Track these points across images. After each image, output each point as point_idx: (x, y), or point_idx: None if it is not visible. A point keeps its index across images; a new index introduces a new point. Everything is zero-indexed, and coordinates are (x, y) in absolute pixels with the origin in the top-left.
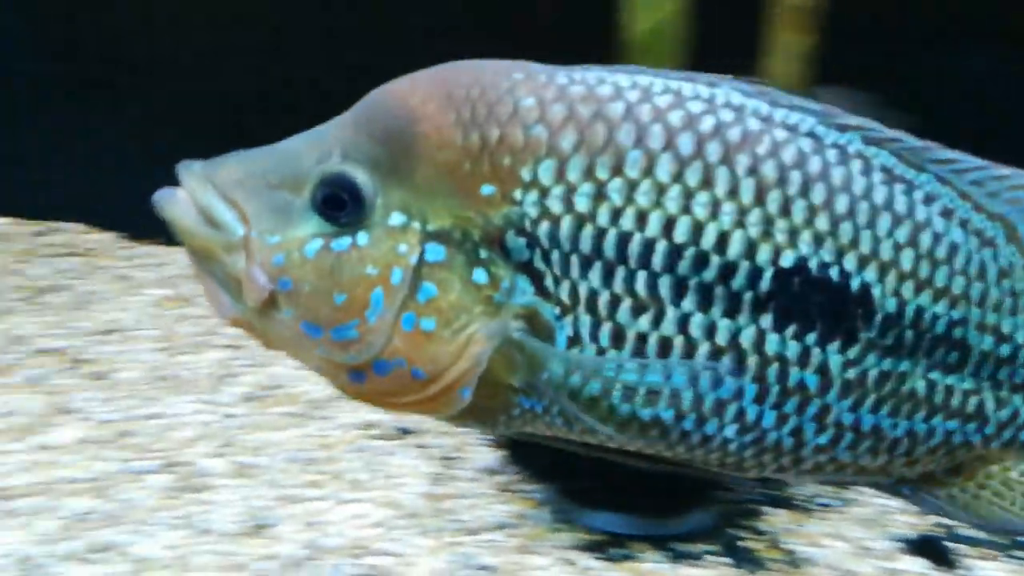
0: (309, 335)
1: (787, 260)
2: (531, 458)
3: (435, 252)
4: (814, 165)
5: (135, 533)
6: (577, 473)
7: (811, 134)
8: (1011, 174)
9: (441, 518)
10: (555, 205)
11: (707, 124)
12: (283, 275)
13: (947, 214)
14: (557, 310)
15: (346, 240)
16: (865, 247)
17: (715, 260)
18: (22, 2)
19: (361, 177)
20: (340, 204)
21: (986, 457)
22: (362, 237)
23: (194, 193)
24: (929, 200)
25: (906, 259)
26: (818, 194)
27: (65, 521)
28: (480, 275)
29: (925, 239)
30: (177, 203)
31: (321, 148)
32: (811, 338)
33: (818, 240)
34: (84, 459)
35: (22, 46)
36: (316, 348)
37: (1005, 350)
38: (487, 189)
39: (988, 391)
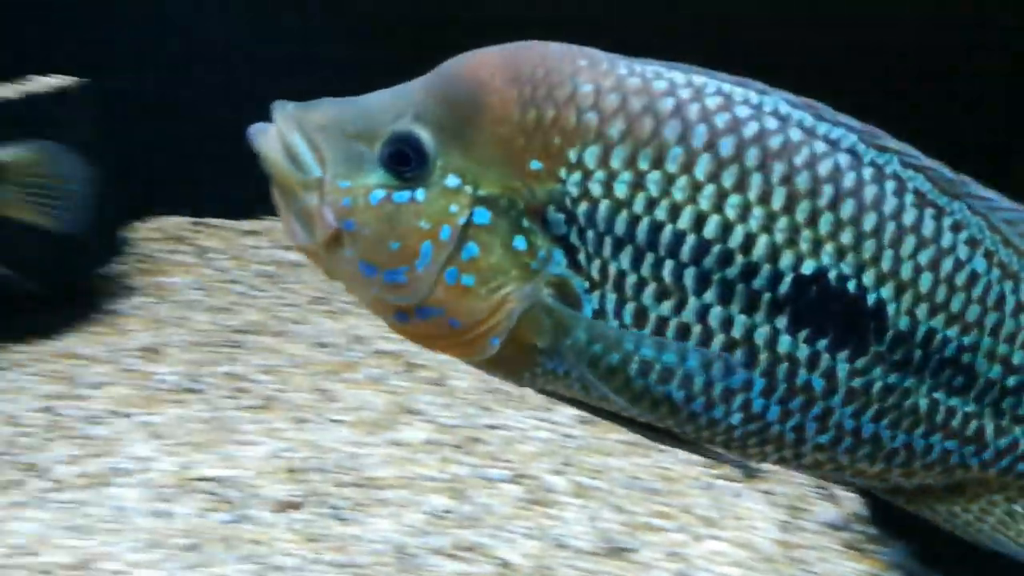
0: (365, 274)
1: (808, 268)
2: (880, 519)
3: (482, 216)
4: (848, 180)
5: (494, 537)
6: (930, 536)
7: (851, 150)
8: None
9: (795, 567)
10: (596, 188)
11: (750, 130)
12: (349, 217)
13: (973, 243)
14: (586, 284)
15: (406, 194)
16: (886, 265)
17: (739, 259)
18: None
19: (426, 139)
20: (405, 160)
21: (988, 483)
22: (420, 193)
23: (283, 131)
24: (957, 228)
25: (924, 281)
26: (847, 209)
27: (428, 516)
28: (520, 242)
29: (947, 264)
30: (267, 138)
31: (397, 107)
32: (822, 344)
33: (840, 253)
34: (437, 460)
35: None
36: (371, 287)
37: (1012, 381)
38: (536, 164)
39: (989, 418)
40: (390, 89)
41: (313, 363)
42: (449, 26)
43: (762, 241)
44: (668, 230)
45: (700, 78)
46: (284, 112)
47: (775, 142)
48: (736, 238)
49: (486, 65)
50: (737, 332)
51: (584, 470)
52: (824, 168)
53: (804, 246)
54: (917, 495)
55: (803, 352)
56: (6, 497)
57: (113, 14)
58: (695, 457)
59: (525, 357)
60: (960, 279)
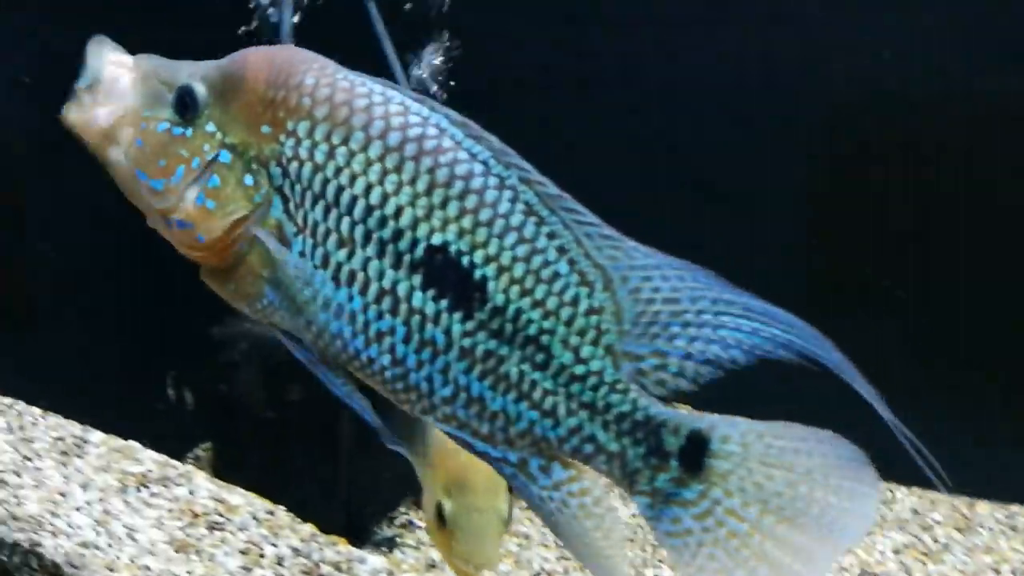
0: (138, 177)
1: (436, 239)
2: None
3: (225, 157)
4: (475, 183)
5: None
6: None
7: (484, 162)
8: (614, 236)
9: None
10: (303, 152)
11: (414, 131)
12: (139, 136)
13: (561, 251)
14: (295, 229)
15: (179, 130)
16: (492, 250)
17: (391, 224)
18: None
19: (201, 93)
20: (184, 105)
21: (570, 464)
22: (188, 131)
23: (126, 64)
24: (551, 236)
25: (518, 269)
26: (471, 202)
27: None
28: (249, 180)
29: (537, 260)
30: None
31: (194, 71)
32: (443, 304)
33: (461, 233)
34: None
35: None
36: (139, 188)
37: (580, 370)
38: (266, 128)
39: (563, 397)
40: (199, 61)
41: None
42: None
43: (407, 212)
44: (347, 193)
45: (393, 92)
46: (108, 42)
47: (429, 144)
48: (390, 207)
49: (257, 56)
50: (387, 283)
51: None
52: (460, 169)
53: (436, 222)
54: (525, 471)
55: (430, 308)
56: None
57: None
58: None
59: (255, 286)
60: (546, 274)
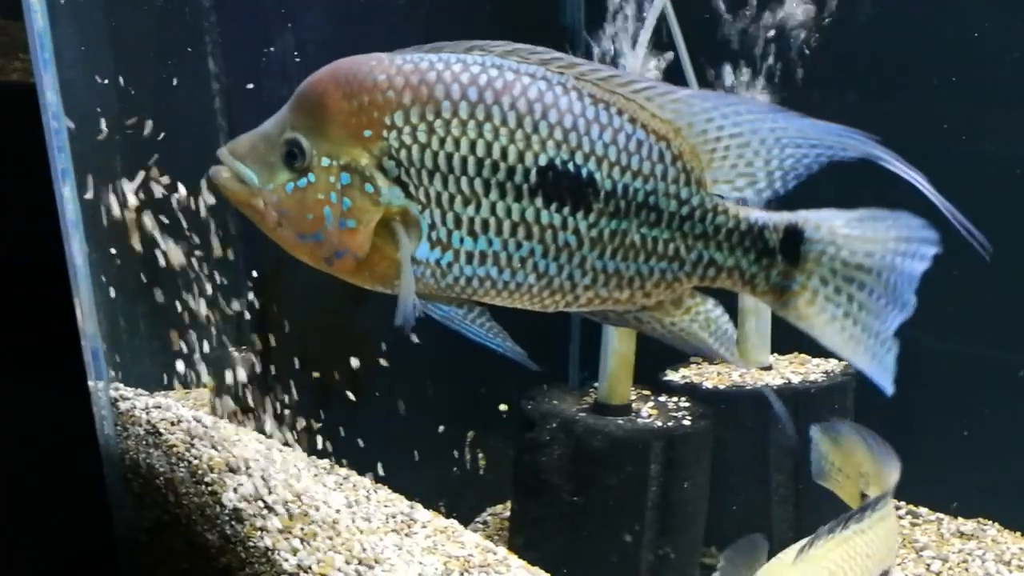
0: (300, 240)
1: (542, 160)
2: None
3: (345, 178)
4: (548, 98)
5: None
6: None
7: (544, 78)
8: (670, 90)
9: None
10: (406, 139)
11: (483, 80)
12: (279, 208)
13: (634, 121)
14: (419, 207)
15: (303, 181)
16: (587, 147)
17: (502, 165)
18: None
19: (299, 139)
20: (294, 157)
21: (693, 294)
22: (310, 176)
23: (227, 164)
24: (621, 112)
25: (612, 153)
26: (553, 116)
27: None
28: (369, 187)
29: (621, 139)
30: (220, 172)
31: (280, 125)
32: (566, 211)
33: (558, 146)
34: None
35: None
36: (306, 248)
37: (685, 210)
38: (367, 133)
39: (680, 240)
40: (274, 115)
41: None
42: None
43: (511, 150)
44: (456, 156)
45: (438, 54)
46: (222, 152)
47: (499, 85)
48: (496, 152)
49: (321, 82)
50: (516, 217)
51: None
52: (532, 94)
53: (536, 147)
54: (654, 313)
55: (557, 219)
56: None
57: None
58: None
59: (390, 266)
60: (631, 146)
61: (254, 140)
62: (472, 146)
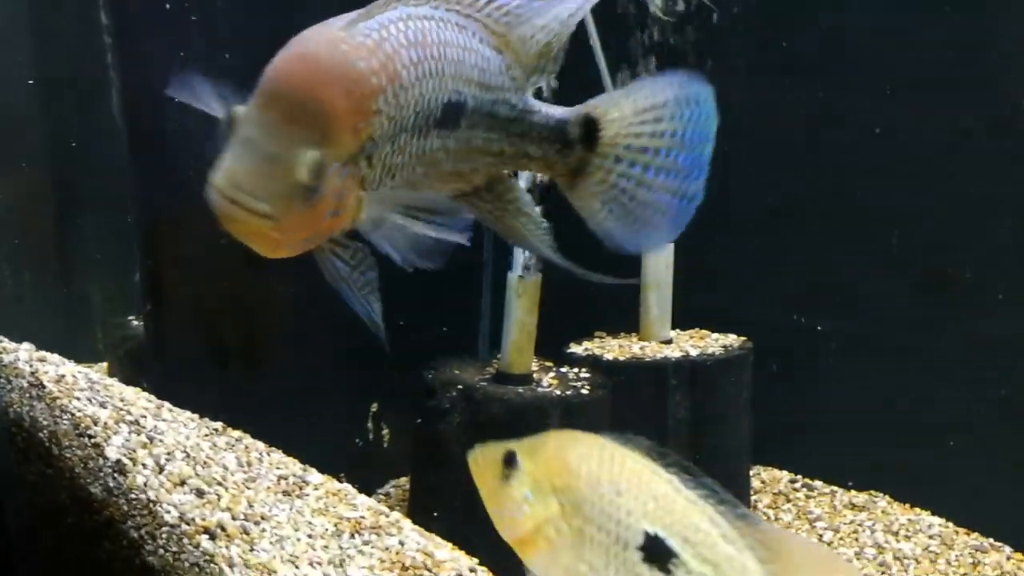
0: (294, 244)
1: (445, 99)
2: None
3: (343, 173)
4: (450, 38)
5: None
6: None
7: (443, 19)
8: (504, 4)
9: None
10: (385, 120)
11: (418, 39)
12: (289, 227)
13: (483, 41)
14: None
15: (315, 195)
16: (464, 75)
17: (430, 112)
18: None
19: (315, 155)
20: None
21: (505, 179)
22: (321, 188)
23: (224, 186)
24: (479, 37)
25: (476, 75)
26: (451, 54)
27: None
28: (356, 171)
29: (481, 60)
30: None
31: (281, 141)
32: (445, 132)
33: (452, 80)
34: None
35: None
36: (296, 248)
37: (513, 114)
38: (361, 124)
39: (506, 142)
40: (255, 124)
41: None
42: None
43: (434, 98)
44: (404, 115)
45: (383, 16)
46: (223, 187)
47: (430, 38)
48: (426, 103)
49: (313, 85)
50: (425, 148)
51: None
52: (444, 37)
53: (445, 87)
54: (475, 199)
55: (438, 143)
56: None
57: None
58: None
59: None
60: (484, 64)
61: (256, 167)
62: (415, 104)
